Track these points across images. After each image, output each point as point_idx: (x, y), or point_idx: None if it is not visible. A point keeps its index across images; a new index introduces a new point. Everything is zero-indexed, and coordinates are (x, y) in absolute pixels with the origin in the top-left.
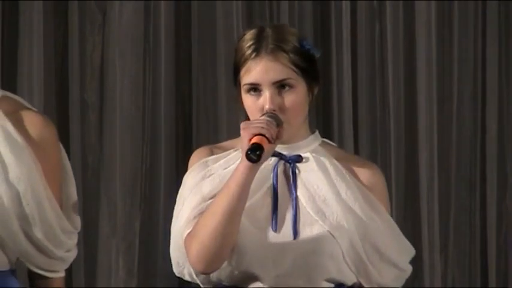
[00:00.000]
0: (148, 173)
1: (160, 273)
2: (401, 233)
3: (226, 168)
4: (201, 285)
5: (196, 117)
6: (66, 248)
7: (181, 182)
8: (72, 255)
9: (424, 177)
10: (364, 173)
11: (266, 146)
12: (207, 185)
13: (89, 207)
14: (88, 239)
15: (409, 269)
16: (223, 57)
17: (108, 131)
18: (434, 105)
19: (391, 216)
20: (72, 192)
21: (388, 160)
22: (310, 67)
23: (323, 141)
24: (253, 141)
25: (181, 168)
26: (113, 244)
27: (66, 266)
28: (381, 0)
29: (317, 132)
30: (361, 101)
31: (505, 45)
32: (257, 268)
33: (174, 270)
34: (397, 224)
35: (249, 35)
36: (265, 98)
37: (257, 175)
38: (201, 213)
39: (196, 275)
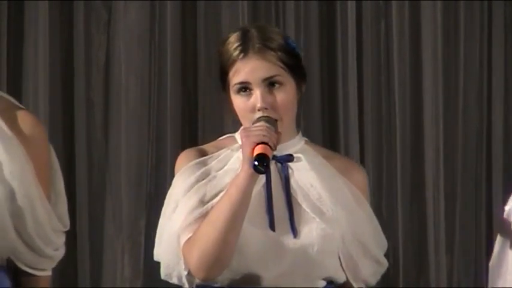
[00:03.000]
0: (153, 171)
1: None
2: (379, 226)
3: (221, 169)
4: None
5: (202, 115)
6: (55, 247)
7: None
8: (60, 253)
9: (430, 176)
10: (350, 171)
11: (270, 154)
12: (203, 187)
13: (94, 206)
14: (93, 237)
15: (386, 262)
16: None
17: (113, 130)
18: (440, 104)
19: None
20: (61, 190)
21: (394, 159)
22: (297, 65)
23: (306, 140)
24: (258, 151)
25: None
26: (119, 243)
27: (54, 264)
28: (387, 0)
29: (300, 132)
30: (367, 100)
31: (511, 44)
32: (258, 268)
33: (162, 272)
34: (402, 223)
35: (234, 37)
36: (256, 97)
37: None
38: (199, 218)
39: (189, 281)
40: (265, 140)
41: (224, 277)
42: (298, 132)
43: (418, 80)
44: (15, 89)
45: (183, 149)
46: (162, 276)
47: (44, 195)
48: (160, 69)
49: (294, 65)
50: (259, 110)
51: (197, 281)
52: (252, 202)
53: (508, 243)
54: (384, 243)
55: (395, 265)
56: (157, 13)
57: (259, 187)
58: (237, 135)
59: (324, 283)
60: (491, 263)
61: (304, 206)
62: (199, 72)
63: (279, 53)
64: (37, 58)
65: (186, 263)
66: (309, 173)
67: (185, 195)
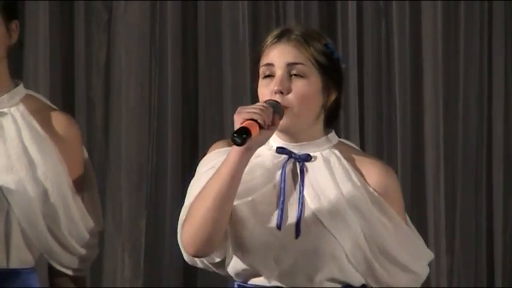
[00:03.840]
0: (154, 171)
1: (166, 272)
2: (415, 237)
3: None
4: (216, 271)
5: (203, 116)
6: (89, 246)
7: (187, 180)
8: (94, 253)
9: (430, 176)
10: (375, 176)
11: (255, 131)
12: (206, 176)
13: None
14: None
15: (424, 272)
16: (229, 57)
17: (114, 130)
18: (440, 104)
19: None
20: (95, 191)
21: (394, 159)
22: (330, 67)
23: (340, 141)
24: (242, 124)
25: (187, 167)
26: (119, 243)
27: (88, 265)
28: (387, 0)
29: (333, 133)
30: (368, 100)
31: (511, 44)
32: (260, 265)
33: (186, 259)
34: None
35: (276, 30)
36: (275, 80)
37: (264, 171)
38: None
39: (210, 262)
40: (255, 117)
41: (230, 268)
42: (326, 133)
43: (418, 80)
44: None
45: (183, 149)
46: (189, 263)
47: (78, 195)
48: (161, 69)
49: (325, 64)
50: (275, 94)
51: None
52: (262, 198)
53: None
54: (421, 252)
55: None
56: (158, 13)
57: (272, 183)
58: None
59: (334, 285)
60: None
61: (312, 208)
62: (199, 72)
63: (312, 49)
64: (37, 58)
65: (180, 239)
66: (324, 175)
67: (194, 182)
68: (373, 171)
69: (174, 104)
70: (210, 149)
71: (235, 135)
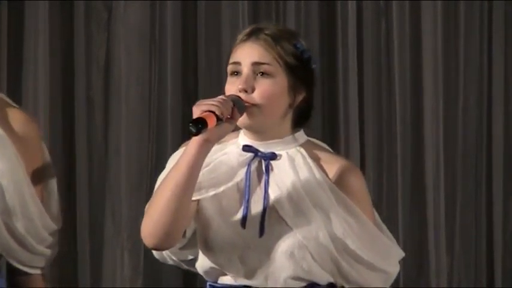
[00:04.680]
0: (154, 170)
1: (166, 271)
2: (383, 235)
3: (216, 159)
4: (189, 268)
5: None
6: (47, 244)
7: None
8: (53, 252)
9: (430, 176)
10: (341, 175)
11: (212, 122)
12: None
13: (94, 205)
14: (93, 236)
15: (394, 271)
16: (229, 56)
17: (113, 129)
18: (440, 104)
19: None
20: (54, 188)
21: (394, 160)
22: (299, 67)
23: (308, 140)
24: (198, 115)
25: None
26: (119, 242)
27: (47, 263)
28: (387, 0)
29: (301, 132)
30: (367, 100)
31: (511, 43)
32: (225, 264)
33: (156, 256)
34: (402, 223)
35: (247, 28)
36: (241, 78)
37: (229, 168)
38: None
39: (181, 259)
40: (213, 109)
41: (199, 267)
42: (293, 132)
43: (418, 80)
44: (16, 88)
45: None
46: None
47: (36, 194)
48: (160, 69)
49: (293, 65)
50: (239, 92)
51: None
52: (226, 196)
53: None
54: (389, 250)
55: None
56: (158, 13)
57: (236, 181)
58: (241, 132)
59: (298, 284)
60: None
61: (277, 206)
62: (199, 72)
63: (279, 48)
64: (37, 58)
65: (141, 231)
66: (289, 174)
67: (162, 178)
68: (339, 171)
69: (174, 104)
70: (181, 145)
71: (190, 124)
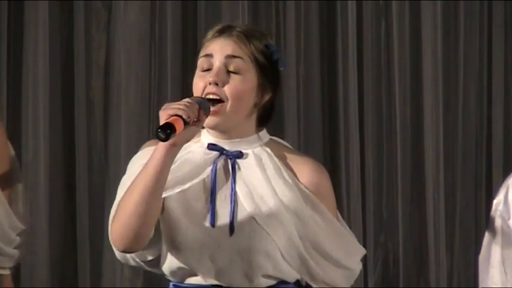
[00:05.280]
0: None
1: None
2: (347, 233)
3: (177, 159)
4: (149, 269)
5: None
6: (15, 245)
7: None
8: (21, 252)
9: (430, 175)
10: (306, 173)
11: (180, 126)
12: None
13: (94, 205)
14: (93, 237)
15: (357, 268)
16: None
17: (113, 129)
18: (440, 103)
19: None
20: (20, 189)
21: (394, 159)
22: (268, 67)
23: (271, 139)
24: (165, 120)
25: None
26: None
27: (14, 263)
28: (387, 0)
29: (264, 131)
30: (367, 100)
31: (510, 42)
32: (195, 263)
33: (118, 257)
34: (402, 223)
35: (217, 25)
36: (212, 72)
37: (194, 166)
38: None
39: (142, 260)
40: (180, 113)
41: (165, 267)
42: (258, 131)
43: (418, 80)
44: (15, 88)
45: None
46: (121, 261)
47: (2, 194)
48: (160, 69)
49: (263, 64)
50: (210, 84)
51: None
52: (192, 194)
53: (494, 237)
54: (353, 248)
55: (395, 265)
56: (158, 13)
57: (202, 179)
58: (205, 130)
59: (268, 282)
60: (480, 257)
61: (245, 205)
62: None
63: (252, 46)
64: (37, 58)
65: (109, 235)
66: (255, 172)
67: (124, 182)
68: (305, 169)
69: None
70: (142, 147)
71: (159, 130)
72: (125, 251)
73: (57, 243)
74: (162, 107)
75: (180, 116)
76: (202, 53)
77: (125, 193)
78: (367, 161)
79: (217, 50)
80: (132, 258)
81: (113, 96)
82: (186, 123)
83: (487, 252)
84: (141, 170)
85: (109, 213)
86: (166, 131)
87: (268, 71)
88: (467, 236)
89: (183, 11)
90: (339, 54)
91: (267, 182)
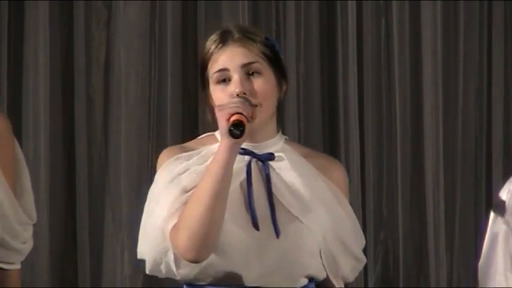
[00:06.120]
0: (153, 169)
1: None
2: (358, 223)
3: (201, 164)
4: (177, 278)
5: (203, 115)
6: (23, 240)
7: None
8: (28, 247)
9: (430, 175)
10: (330, 169)
11: (245, 123)
12: (185, 179)
13: (94, 204)
14: (93, 235)
15: (364, 259)
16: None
17: (113, 127)
18: (440, 103)
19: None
20: (27, 184)
21: (394, 159)
22: (277, 60)
23: (286, 139)
24: (233, 118)
25: None
26: (118, 241)
27: (22, 258)
28: (387, 0)
29: (281, 131)
30: (367, 99)
31: (510, 42)
32: (240, 268)
33: (149, 269)
34: (402, 223)
35: (214, 35)
36: (235, 83)
37: None
38: (182, 206)
39: (177, 267)
40: (240, 110)
41: (207, 275)
42: (278, 131)
43: (418, 80)
44: (16, 86)
45: None
46: (148, 272)
47: (10, 189)
48: (160, 69)
49: (273, 58)
50: (237, 96)
51: (183, 271)
52: (232, 200)
53: (497, 242)
54: (361, 240)
55: (395, 265)
56: (158, 12)
57: (238, 184)
58: (217, 134)
59: (305, 281)
60: (480, 263)
61: (286, 205)
62: None
63: (259, 44)
64: (37, 58)
65: (174, 247)
66: (290, 172)
67: (166, 189)
68: (328, 165)
69: (174, 101)
70: (162, 158)
71: (232, 128)
72: (196, 261)
73: (57, 242)
74: (218, 109)
75: (242, 113)
76: (214, 68)
77: (190, 201)
78: (367, 161)
79: (230, 62)
80: (166, 270)
81: (113, 94)
82: (246, 119)
83: (488, 259)
84: (205, 175)
85: (109, 211)
86: (239, 128)
87: (277, 62)
88: (467, 235)
89: (183, 9)
90: (339, 54)
91: (301, 181)
